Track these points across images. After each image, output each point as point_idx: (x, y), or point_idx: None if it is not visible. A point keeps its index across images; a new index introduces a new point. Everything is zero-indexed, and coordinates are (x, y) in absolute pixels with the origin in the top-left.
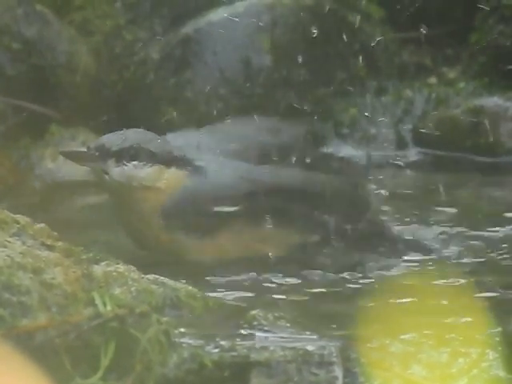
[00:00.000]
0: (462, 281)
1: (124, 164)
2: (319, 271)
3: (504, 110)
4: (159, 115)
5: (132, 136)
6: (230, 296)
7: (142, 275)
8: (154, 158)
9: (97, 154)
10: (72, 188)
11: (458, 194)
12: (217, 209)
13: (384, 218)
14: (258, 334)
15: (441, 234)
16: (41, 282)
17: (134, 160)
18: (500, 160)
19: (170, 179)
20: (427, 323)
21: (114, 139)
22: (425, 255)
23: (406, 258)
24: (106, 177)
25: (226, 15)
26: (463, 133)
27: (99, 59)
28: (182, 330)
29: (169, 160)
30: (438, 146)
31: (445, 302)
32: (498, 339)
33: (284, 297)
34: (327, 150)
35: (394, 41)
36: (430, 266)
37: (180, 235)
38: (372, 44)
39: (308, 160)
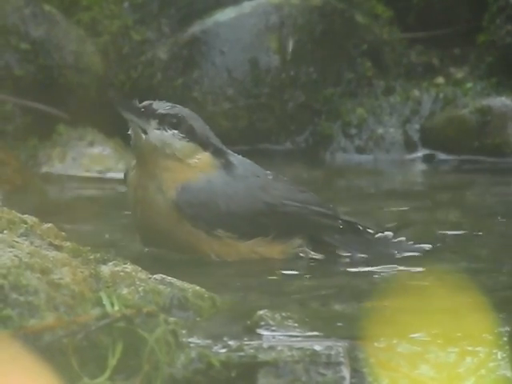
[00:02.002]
0: (467, 280)
1: (165, 129)
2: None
3: None
4: None
5: (180, 108)
6: (238, 296)
7: (150, 275)
8: (193, 135)
9: (142, 110)
10: (79, 187)
11: (465, 193)
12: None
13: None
14: (266, 333)
15: (446, 234)
16: (48, 282)
17: (175, 129)
18: (507, 160)
19: (202, 161)
20: (434, 323)
21: (162, 104)
22: (423, 256)
23: (405, 259)
24: (143, 136)
25: (233, 15)
26: (470, 133)
27: (107, 59)
28: (190, 329)
29: (206, 144)
30: (446, 146)
31: (450, 302)
32: (505, 339)
33: (291, 297)
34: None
35: (401, 41)
36: (432, 266)
37: (188, 223)
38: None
39: None
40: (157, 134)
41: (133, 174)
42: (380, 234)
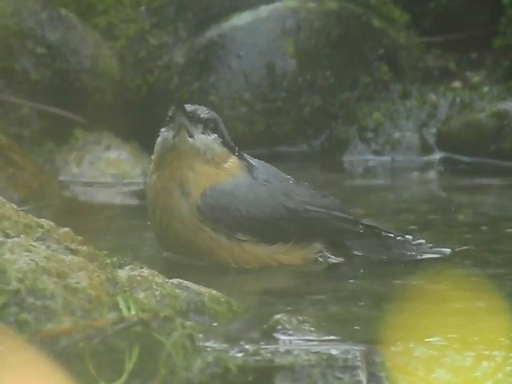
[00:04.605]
0: (484, 284)
1: (208, 134)
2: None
3: None
4: None
5: (212, 111)
6: (254, 300)
7: (166, 279)
8: (223, 138)
9: (191, 114)
10: (96, 192)
11: (482, 197)
12: (249, 221)
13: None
14: (282, 338)
15: (462, 237)
16: (65, 287)
17: (214, 133)
18: None
19: (233, 165)
20: (451, 327)
21: (202, 108)
22: (440, 258)
23: (422, 263)
24: (190, 140)
25: (250, 19)
26: (487, 137)
27: (123, 63)
28: (206, 334)
29: (233, 147)
30: (462, 150)
31: (467, 305)
32: None
33: (308, 301)
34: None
35: (418, 45)
36: (449, 269)
37: (208, 228)
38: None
39: None
40: (202, 139)
41: (154, 179)
42: (400, 238)
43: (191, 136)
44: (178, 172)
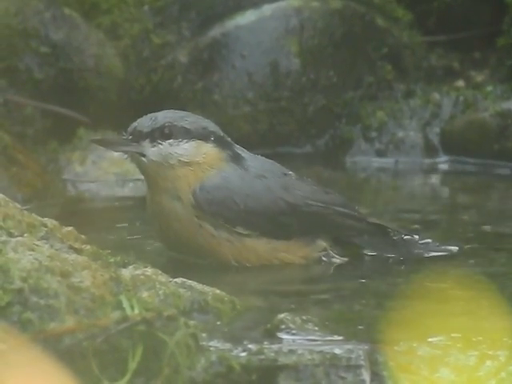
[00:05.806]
0: (487, 283)
1: (159, 143)
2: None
3: None
4: None
5: (163, 116)
6: (258, 299)
7: (170, 278)
8: (189, 133)
9: (130, 137)
10: (99, 191)
11: (485, 197)
12: (246, 217)
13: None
14: (286, 337)
15: (466, 237)
16: (69, 286)
17: (168, 138)
18: None
19: (209, 155)
20: (454, 326)
21: (145, 121)
22: (444, 257)
23: (426, 262)
24: (144, 159)
25: (253, 19)
26: (491, 136)
27: (127, 63)
28: (210, 333)
29: (205, 135)
30: (466, 149)
31: (470, 304)
32: None
33: (311, 300)
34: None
35: (421, 44)
36: (453, 269)
37: (208, 224)
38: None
39: None
40: (155, 152)
41: (147, 192)
42: (406, 236)
43: (142, 155)
44: (158, 184)
